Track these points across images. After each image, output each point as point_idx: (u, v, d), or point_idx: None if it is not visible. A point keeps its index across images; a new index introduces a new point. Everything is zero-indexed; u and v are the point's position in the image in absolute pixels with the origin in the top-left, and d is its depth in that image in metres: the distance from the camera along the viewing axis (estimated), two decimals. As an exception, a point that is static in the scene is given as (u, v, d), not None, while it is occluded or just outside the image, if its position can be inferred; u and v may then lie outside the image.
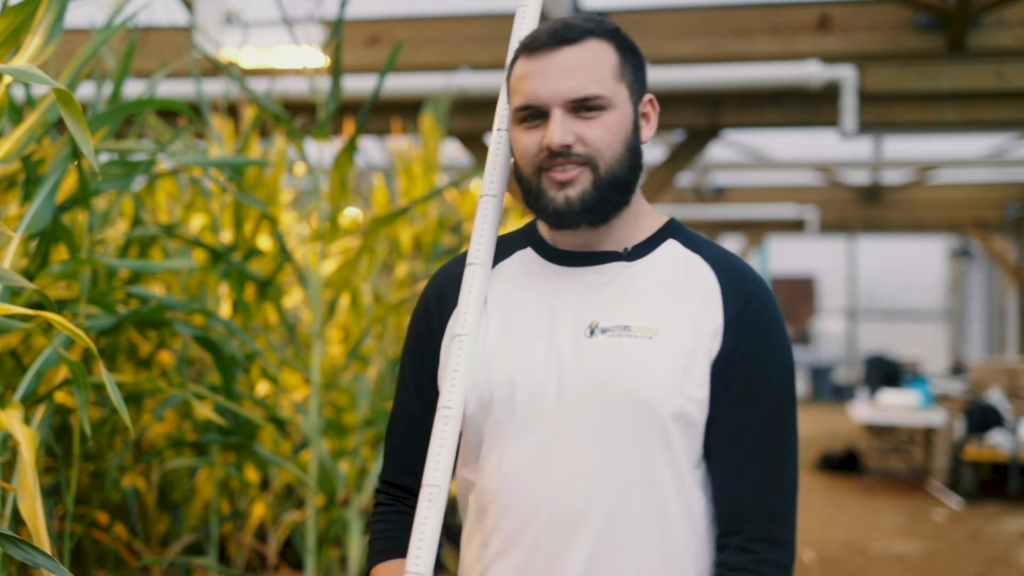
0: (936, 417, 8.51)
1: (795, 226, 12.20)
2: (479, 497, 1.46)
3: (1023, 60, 5.23)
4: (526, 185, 1.45)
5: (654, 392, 1.37)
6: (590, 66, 1.40)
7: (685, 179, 11.41)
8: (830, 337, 18.34)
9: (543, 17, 5.12)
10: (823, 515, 7.74)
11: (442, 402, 1.43)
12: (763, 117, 5.62)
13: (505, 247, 1.55)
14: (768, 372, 1.41)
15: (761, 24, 5.34)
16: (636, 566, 1.38)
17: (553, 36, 1.42)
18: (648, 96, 1.48)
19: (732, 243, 16.43)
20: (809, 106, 5.50)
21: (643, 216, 1.50)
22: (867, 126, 5.71)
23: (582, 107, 1.40)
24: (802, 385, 17.75)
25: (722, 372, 1.39)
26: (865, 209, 12.51)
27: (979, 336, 16.40)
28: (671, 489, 1.39)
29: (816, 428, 13.09)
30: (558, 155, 1.40)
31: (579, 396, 1.39)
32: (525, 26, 1.55)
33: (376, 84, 3.53)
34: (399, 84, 5.36)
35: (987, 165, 10.59)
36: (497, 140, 1.51)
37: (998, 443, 8.32)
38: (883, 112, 5.59)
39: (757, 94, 5.45)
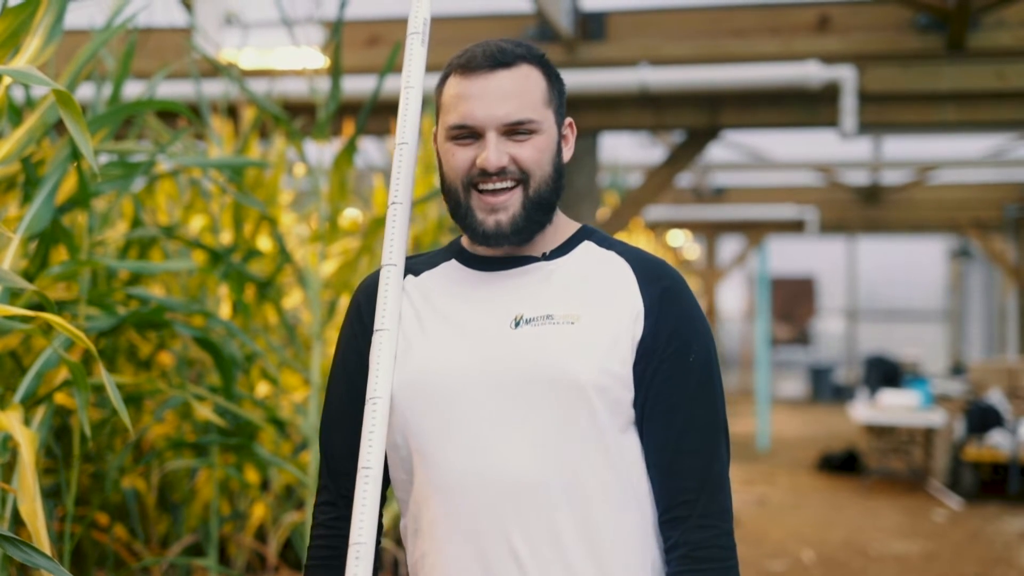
0: (936, 417, 8.50)
1: (795, 226, 12.20)
2: (418, 490, 1.52)
3: (1023, 60, 5.23)
4: (454, 199, 1.54)
5: (578, 369, 1.45)
6: (523, 91, 1.50)
7: (685, 180, 11.41)
8: (830, 337, 18.34)
9: (543, 17, 5.07)
10: (823, 515, 7.74)
11: (369, 393, 1.51)
12: (762, 117, 5.62)
13: (431, 261, 1.64)
14: (692, 352, 1.50)
15: (761, 24, 5.35)
16: (578, 536, 1.46)
17: (489, 59, 1.51)
18: (568, 120, 1.59)
19: (732, 243, 16.44)
20: (808, 106, 5.50)
21: (560, 226, 1.60)
22: (866, 126, 5.71)
23: (515, 130, 1.49)
24: (802, 385, 17.75)
25: (648, 354, 1.49)
26: (865, 209, 12.51)
27: (979, 336, 16.41)
28: (602, 463, 1.47)
29: (816, 428, 13.08)
30: (492, 174, 1.49)
31: (507, 381, 1.47)
32: (418, 18, 1.64)
33: (376, 85, 3.53)
34: (399, 85, 5.35)
35: (987, 165, 10.59)
36: (400, 152, 1.60)
37: (998, 443, 8.31)
38: (882, 112, 5.59)
39: (757, 94, 5.45)
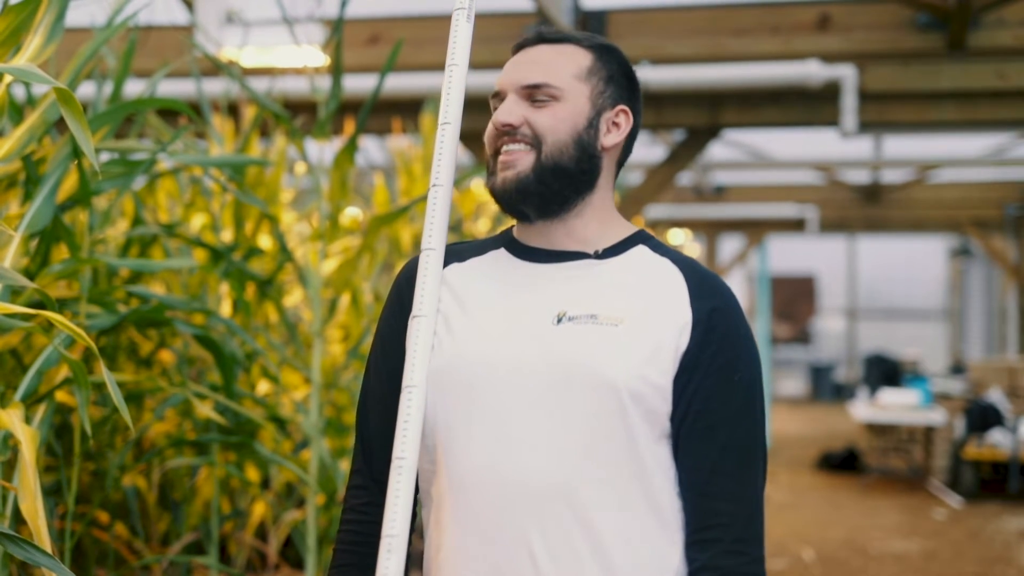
0: (936, 416, 8.51)
1: (795, 225, 12.20)
2: (440, 481, 1.48)
3: (1023, 59, 5.24)
4: (487, 170, 1.53)
5: (615, 372, 1.41)
6: (553, 61, 1.50)
7: (685, 178, 11.40)
8: (830, 336, 18.35)
9: (543, 16, 5.06)
10: (823, 514, 7.74)
11: (405, 382, 1.46)
12: (763, 116, 5.62)
13: (480, 248, 1.60)
14: (738, 370, 1.45)
15: (761, 23, 5.35)
16: (595, 544, 1.41)
17: (535, 36, 1.53)
18: (620, 107, 1.54)
19: (732, 242, 16.42)
20: (809, 105, 5.50)
21: (612, 223, 1.56)
22: (867, 125, 5.71)
23: (534, 95, 1.49)
24: (802, 384, 17.76)
25: (692, 367, 1.43)
26: (865, 208, 12.50)
27: (979, 335, 16.41)
28: (629, 472, 1.42)
29: (816, 427, 13.09)
30: (506, 134, 1.49)
31: (540, 378, 1.43)
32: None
33: (376, 83, 3.53)
34: (399, 83, 5.36)
35: (987, 164, 10.58)
36: (442, 133, 1.57)
37: (998, 442, 8.32)
38: (883, 111, 5.59)
39: (757, 93, 5.46)
